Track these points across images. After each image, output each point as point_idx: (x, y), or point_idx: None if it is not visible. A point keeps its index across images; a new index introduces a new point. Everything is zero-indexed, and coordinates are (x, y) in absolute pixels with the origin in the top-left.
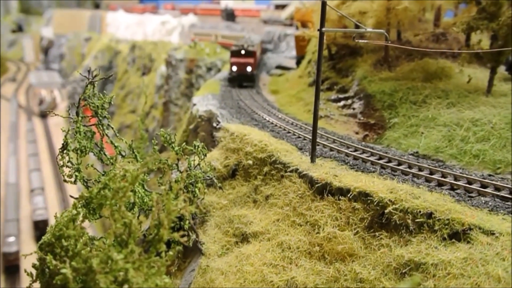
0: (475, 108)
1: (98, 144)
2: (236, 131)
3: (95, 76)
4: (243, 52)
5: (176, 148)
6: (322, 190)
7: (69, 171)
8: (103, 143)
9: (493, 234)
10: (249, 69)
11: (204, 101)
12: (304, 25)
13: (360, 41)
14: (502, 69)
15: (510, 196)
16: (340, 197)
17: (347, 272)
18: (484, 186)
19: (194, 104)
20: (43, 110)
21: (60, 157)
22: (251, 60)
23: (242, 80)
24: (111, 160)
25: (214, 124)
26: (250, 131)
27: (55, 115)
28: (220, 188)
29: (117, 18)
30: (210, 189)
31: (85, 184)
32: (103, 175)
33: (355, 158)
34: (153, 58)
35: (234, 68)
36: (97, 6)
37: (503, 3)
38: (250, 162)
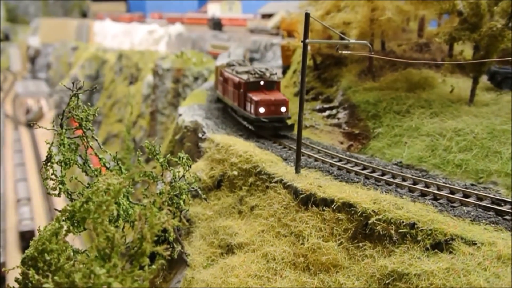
0: (458, 118)
1: (83, 156)
2: (221, 141)
3: (79, 88)
4: (262, 82)
5: (161, 160)
6: (306, 200)
7: (53, 184)
8: (88, 155)
9: (475, 244)
10: (283, 109)
11: (190, 112)
12: (290, 34)
13: (344, 52)
14: (484, 79)
15: (492, 206)
16: (324, 207)
17: (331, 283)
18: (466, 195)
19: (180, 115)
20: (30, 120)
21: (44, 169)
22: (282, 96)
23: (276, 128)
24: (96, 172)
25: (200, 135)
26: (235, 141)
27: (39, 127)
28: (205, 199)
29: (104, 27)
30: (195, 200)
31: (69, 196)
32: (87, 187)
33: (340, 168)
34: (140, 68)
35: (262, 110)
36: (84, 15)
37: (485, 14)
38: (235, 173)
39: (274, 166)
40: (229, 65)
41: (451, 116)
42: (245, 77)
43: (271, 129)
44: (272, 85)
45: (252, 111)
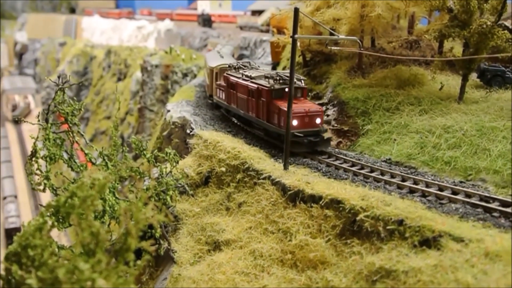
0: (447, 115)
1: (68, 151)
2: (209, 138)
3: (65, 82)
4: (287, 89)
5: (148, 156)
6: (294, 197)
7: (38, 179)
8: (73, 150)
9: (463, 241)
10: (318, 121)
11: (178, 108)
12: (280, 31)
13: (334, 48)
14: (474, 77)
15: (480, 203)
16: (312, 204)
17: (318, 279)
18: (455, 193)
19: (168, 111)
20: (17, 116)
21: (28, 165)
22: (315, 106)
23: (312, 143)
24: (81, 168)
25: (188, 131)
26: (224, 138)
27: (25, 121)
28: (191, 195)
29: (92, 23)
30: (183, 196)
31: (54, 192)
32: (72, 183)
33: (328, 165)
34: (129, 64)
35: (295, 123)
36: (72, 10)
37: (475, 11)
38: (223, 169)
39: (262, 163)
40: (234, 67)
41: (441, 113)
42: (264, 82)
43: (306, 145)
44: (298, 92)
45: (282, 124)
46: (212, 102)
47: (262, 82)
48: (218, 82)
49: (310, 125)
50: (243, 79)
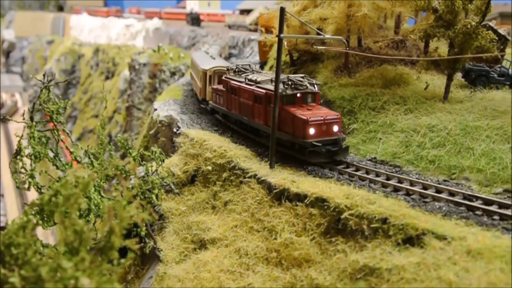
0: (432, 115)
1: (54, 149)
2: (196, 136)
3: (50, 80)
4: (298, 94)
5: (134, 154)
6: (280, 196)
7: (23, 177)
8: (58, 148)
9: (446, 239)
10: (336, 128)
11: (165, 106)
12: (268, 30)
13: (320, 47)
14: (458, 76)
15: (463, 201)
16: (298, 203)
17: (303, 278)
18: (439, 191)
19: (155, 109)
20: (3, 115)
21: (12, 163)
22: (332, 112)
23: (331, 152)
24: (67, 166)
25: (175, 130)
26: (210, 136)
27: (10, 120)
28: (177, 193)
29: (80, 21)
30: (169, 195)
31: (39, 190)
32: (57, 181)
33: (314, 164)
34: (117, 62)
35: (312, 131)
36: (60, 8)
37: (459, 12)
38: (209, 168)
39: (249, 161)
40: (233, 71)
41: (425, 112)
42: (273, 87)
43: (325, 155)
44: (309, 97)
45: (298, 132)
46: (205, 107)
47: (270, 86)
48: (215, 87)
49: (328, 133)
50: (247, 84)
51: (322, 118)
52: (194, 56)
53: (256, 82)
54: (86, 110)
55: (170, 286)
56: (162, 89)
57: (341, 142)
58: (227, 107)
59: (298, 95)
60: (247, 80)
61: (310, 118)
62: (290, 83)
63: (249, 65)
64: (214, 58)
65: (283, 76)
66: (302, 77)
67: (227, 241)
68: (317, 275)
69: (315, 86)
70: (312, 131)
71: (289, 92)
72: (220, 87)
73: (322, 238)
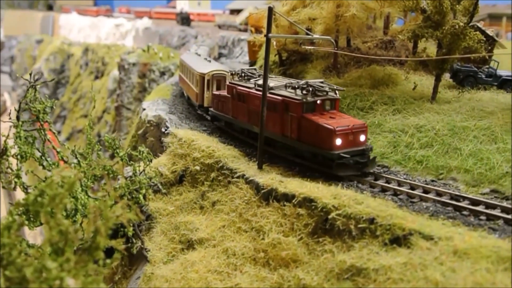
0: (420, 115)
1: (40, 149)
2: (184, 136)
3: (37, 79)
4: (318, 101)
5: (121, 154)
6: (267, 196)
7: (9, 177)
8: (45, 148)
9: (432, 239)
10: (363, 138)
11: (154, 106)
12: (257, 30)
13: (308, 47)
14: (447, 77)
15: (450, 202)
16: (285, 203)
17: (290, 278)
18: (426, 191)
19: (144, 109)
20: None
21: None
22: (357, 120)
23: (359, 164)
24: (53, 166)
25: (163, 129)
26: (198, 136)
27: None
28: (164, 193)
29: (70, 21)
30: (157, 195)
31: (25, 190)
32: (44, 181)
33: (302, 164)
34: (106, 62)
35: (339, 142)
36: (50, 7)
37: (447, 12)
38: (198, 168)
39: (237, 161)
40: (239, 75)
41: (414, 112)
42: (289, 94)
43: (354, 167)
44: (327, 104)
45: (323, 143)
46: (201, 114)
47: (286, 93)
48: (216, 93)
49: (355, 143)
50: (258, 89)
51: (349, 127)
52: (185, 59)
53: (268, 88)
54: (75, 110)
55: (157, 287)
56: (152, 88)
57: (369, 153)
58: (232, 115)
59: (318, 101)
60: (256, 86)
61: (337, 127)
62: (310, 89)
63: (255, 69)
64: (209, 61)
65: (284, 79)
66: (321, 82)
67: (214, 241)
68: (304, 275)
69: (337, 93)
70: (339, 141)
71: (310, 99)
72: (223, 93)
73: (309, 238)
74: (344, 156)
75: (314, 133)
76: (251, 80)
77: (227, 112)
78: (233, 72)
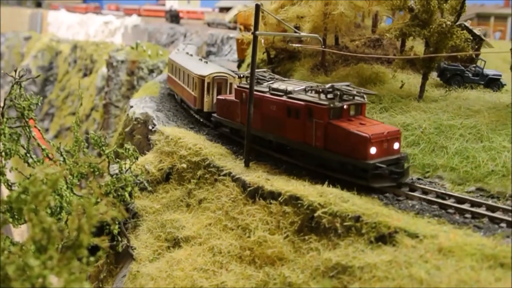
0: (407, 113)
1: (25, 146)
2: (171, 134)
3: (22, 76)
4: (345, 106)
5: (107, 151)
6: (254, 194)
7: None
8: (30, 145)
9: (418, 237)
10: (397, 146)
11: (141, 104)
12: (246, 28)
13: (296, 45)
14: (434, 76)
15: (436, 200)
16: (272, 201)
17: (276, 276)
18: (412, 189)
19: (131, 106)
20: None
21: None
22: (390, 126)
23: (395, 174)
24: (38, 163)
25: (150, 127)
26: (185, 134)
27: None
28: (150, 191)
29: (58, 18)
30: (143, 193)
31: (9, 187)
32: (27, 178)
33: (288, 162)
34: (95, 59)
35: (374, 151)
36: (38, 4)
37: (435, 11)
38: (184, 165)
39: (224, 159)
40: (247, 78)
41: (401, 111)
42: (312, 98)
43: (390, 178)
44: (352, 109)
45: (355, 152)
46: (200, 119)
47: (307, 97)
48: (221, 97)
49: (389, 152)
50: (273, 94)
51: (384, 134)
52: (176, 59)
53: (286, 92)
54: (63, 108)
55: (143, 285)
56: (140, 86)
57: (404, 162)
58: (241, 121)
59: (345, 106)
60: (271, 90)
61: (371, 135)
62: (337, 93)
63: (264, 71)
64: (206, 62)
65: (304, 83)
66: (348, 85)
67: (201, 239)
68: (290, 273)
69: (365, 97)
70: (373, 150)
71: (337, 104)
72: (230, 97)
73: (295, 236)
74: (380, 166)
75: (344, 141)
76: (263, 84)
77: (235, 118)
78: (242, 75)
